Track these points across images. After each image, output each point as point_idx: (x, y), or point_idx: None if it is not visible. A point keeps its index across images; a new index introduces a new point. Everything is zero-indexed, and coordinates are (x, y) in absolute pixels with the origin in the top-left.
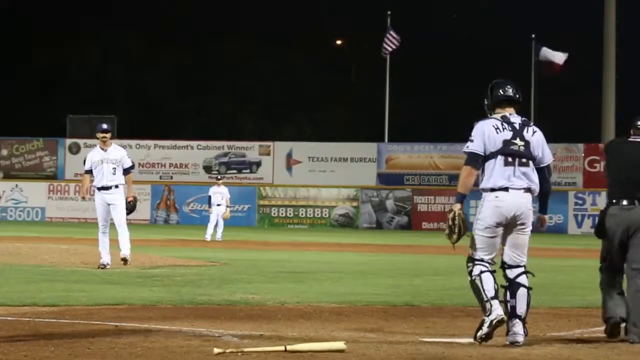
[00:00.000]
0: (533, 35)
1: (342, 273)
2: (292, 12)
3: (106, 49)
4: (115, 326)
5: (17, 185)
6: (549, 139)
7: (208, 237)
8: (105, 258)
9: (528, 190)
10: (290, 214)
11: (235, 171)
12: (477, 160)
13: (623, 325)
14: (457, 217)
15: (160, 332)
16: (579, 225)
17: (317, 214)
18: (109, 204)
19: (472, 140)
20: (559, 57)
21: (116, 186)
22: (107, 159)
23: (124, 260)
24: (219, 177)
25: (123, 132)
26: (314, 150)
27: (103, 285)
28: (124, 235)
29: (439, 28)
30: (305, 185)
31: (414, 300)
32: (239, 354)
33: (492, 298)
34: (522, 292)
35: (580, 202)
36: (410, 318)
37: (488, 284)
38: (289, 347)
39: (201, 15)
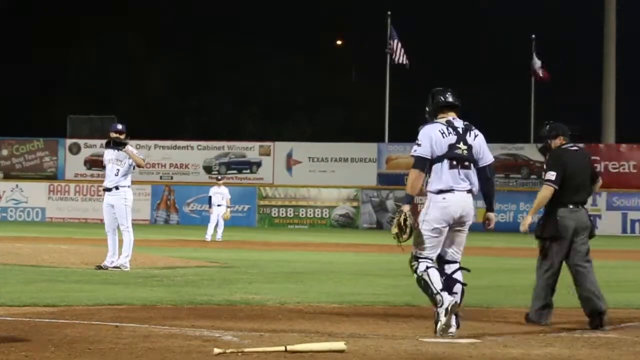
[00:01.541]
0: (533, 36)
1: (343, 273)
2: (293, 12)
3: (106, 49)
4: (115, 326)
5: (17, 186)
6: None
7: (208, 237)
8: (108, 260)
9: (470, 191)
10: (290, 214)
11: (235, 171)
12: (425, 164)
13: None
14: (408, 218)
15: (160, 332)
16: None
17: (318, 214)
18: (111, 205)
19: (419, 145)
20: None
21: (116, 187)
22: (113, 159)
23: (117, 268)
24: (219, 177)
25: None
26: (314, 151)
27: (103, 285)
28: (124, 239)
29: (439, 28)
30: (305, 185)
31: (414, 301)
32: (239, 354)
33: (442, 290)
34: (457, 288)
35: None
36: (410, 318)
37: (435, 278)
38: (289, 347)
39: (201, 15)
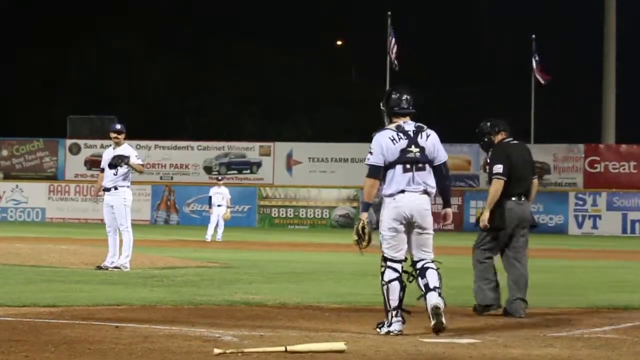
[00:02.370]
0: (533, 36)
1: (342, 273)
2: (293, 12)
3: (106, 49)
4: (115, 327)
5: (17, 186)
6: (549, 140)
7: (208, 237)
8: (108, 260)
9: (425, 192)
10: (290, 214)
11: (235, 172)
12: (379, 172)
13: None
14: (365, 226)
15: (160, 332)
16: (580, 225)
17: (318, 215)
18: (111, 205)
19: (371, 153)
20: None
21: (115, 188)
22: (113, 158)
23: (117, 268)
24: (220, 177)
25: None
26: (314, 151)
27: (103, 285)
28: (124, 239)
29: (439, 28)
30: (305, 185)
31: (414, 301)
32: (239, 354)
33: (394, 309)
34: (430, 271)
35: (580, 202)
36: (410, 318)
37: (394, 294)
38: (289, 348)
39: (201, 15)
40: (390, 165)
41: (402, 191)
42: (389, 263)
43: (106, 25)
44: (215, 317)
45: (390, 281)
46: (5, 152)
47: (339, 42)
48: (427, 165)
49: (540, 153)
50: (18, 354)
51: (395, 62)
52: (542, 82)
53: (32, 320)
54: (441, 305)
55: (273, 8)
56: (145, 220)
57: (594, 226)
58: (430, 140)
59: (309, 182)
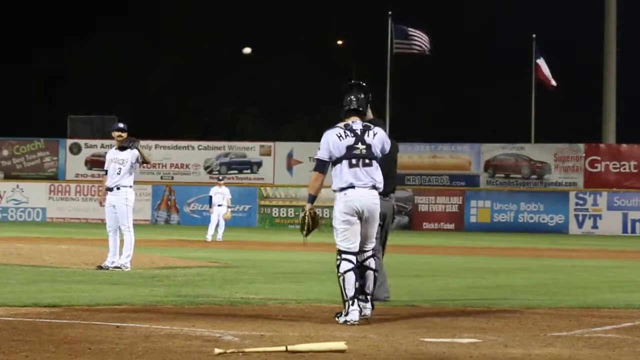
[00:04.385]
0: (534, 35)
1: None
2: (293, 12)
3: (107, 49)
4: (116, 326)
5: (17, 186)
6: (550, 140)
7: (209, 237)
8: (108, 260)
9: (373, 187)
10: (291, 214)
11: (236, 171)
12: (324, 166)
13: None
14: (307, 216)
15: (161, 332)
16: (580, 225)
17: (318, 215)
18: (113, 205)
19: (319, 149)
20: (551, 79)
21: (117, 187)
22: (115, 158)
23: (117, 268)
24: (220, 177)
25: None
26: (315, 151)
27: (104, 285)
28: (125, 239)
29: (440, 28)
30: (306, 185)
31: (415, 300)
32: (240, 354)
33: (351, 298)
34: (369, 274)
35: (581, 202)
36: (410, 318)
37: (349, 284)
38: (289, 347)
39: (201, 15)
40: (337, 161)
41: (352, 186)
42: (343, 255)
43: (107, 25)
44: (216, 316)
45: (345, 272)
46: (5, 152)
47: (339, 42)
48: (374, 162)
49: (540, 152)
50: (19, 354)
51: (426, 48)
52: (550, 86)
53: (33, 320)
54: (368, 314)
55: (273, 8)
56: (146, 220)
57: (595, 226)
58: (377, 138)
59: (309, 181)
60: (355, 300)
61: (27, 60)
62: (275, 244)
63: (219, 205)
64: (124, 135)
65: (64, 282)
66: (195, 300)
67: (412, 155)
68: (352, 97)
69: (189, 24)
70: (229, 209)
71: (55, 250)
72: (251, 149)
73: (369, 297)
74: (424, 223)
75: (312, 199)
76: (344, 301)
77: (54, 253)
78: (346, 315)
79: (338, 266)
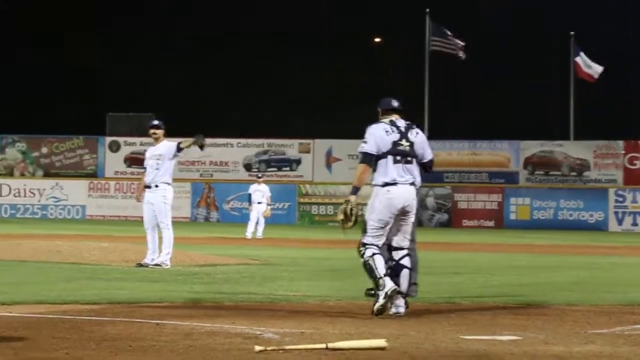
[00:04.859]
0: (572, 33)
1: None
2: (331, 10)
3: (146, 47)
4: (156, 324)
5: (57, 184)
6: (589, 137)
7: (249, 235)
8: (148, 257)
9: (412, 184)
10: (330, 211)
11: (275, 169)
12: (371, 159)
13: None
14: (353, 208)
15: (201, 330)
16: (620, 222)
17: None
18: (151, 203)
19: (366, 142)
20: (595, 69)
21: (156, 185)
22: (153, 155)
23: (157, 266)
24: (260, 175)
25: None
26: (354, 148)
27: (144, 283)
28: (164, 236)
29: (478, 25)
30: (345, 182)
31: (455, 297)
32: (280, 351)
33: (385, 275)
34: (404, 273)
35: (620, 199)
36: (450, 315)
37: (379, 264)
38: (330, 345)
39: (242, 13)
40: (382, 156)
41: (395, 183)
42: (367, 246)
43: (147, 24)
44: (256, 314)
45: (373, 255)
46: (45, 150)
47: (377, 40)
48: (414, 160)
49: (579, 149)
50: (59, 352)
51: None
52: (592, 79)
53: (74, 318)
54: (402, 312)
55: (311, 6)
56: (185, 218)
57: (634, 223)
58: (420, 138)
59: (348, 179)
60: (388, 277)
61: (66, 57)
62: (314, 242)
63: (259, 203)
64: (159, 132)
65: (104, 280)
66: (235, 297)
67: (452, 152)
68: (392, 98)
69: (230, 23)
70: (269, 207)
71: (95, 247)
72: (290, 147)
73: (402, 295)
74: (464, 220)
75: (356, 191)
76: (377, 280)
77: (93, 250)
78: (384, 288)
79: (363, 254)
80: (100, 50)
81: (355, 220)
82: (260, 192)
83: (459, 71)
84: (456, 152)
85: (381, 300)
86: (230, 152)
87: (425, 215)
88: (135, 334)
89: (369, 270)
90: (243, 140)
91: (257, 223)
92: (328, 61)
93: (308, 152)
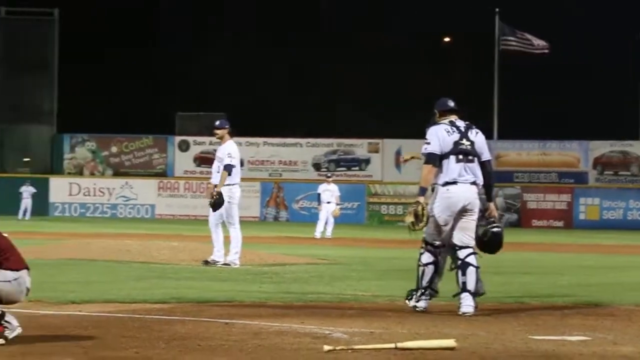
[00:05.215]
0: None
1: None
2: (401, 9)
3: (215, 47)
4: (225, 323)
5: (127, 183)
6: None
7: (318, 234)
8: (215, 255)
9: (474, 183)
10: (399, 211)
11: (344, 168)
12: (436, 159)
13: None
14: (424, 208)
15: (270, 329)
16: None
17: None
18: None
19: (429, 143)
20: None
21: (227, 184)
22: (217, 156)
23: (226, 265)
24: (329, 174)
25: (232, 130)
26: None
27: (213, 282)
28: (231, 236)
29: (547, 25)
30: (414, 182)
31: (524, 298)
32: (349, 351)
33: (424, 288)
34: (471, 270)
35: None
36: (520, 315)
37: (427, 277)
38: (399, 345)
39: (309, 13)
40: (445, 156)
41: (455, 182)
42: (428, 247)
43: (216, 25)
44: (324, 313)
45: (426, 264)
46: (114, 149)
47: (446, 39)
48: (476, 159)
49: None
50: (129, 351)
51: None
52: None
53: (143, 317)
54: (471, 311)
55: (377, 7)
56: (255, 217)
57: None
58: (479, 137)
59: (417, 178)
60: (428, 290)
61: (136, 57)
62: (383, 241)
63: (328, 203)
64: (219, 132)
65: (173, 279)
66: (304, 297)
67: (521, 152)
68: (448, 98)
69: (297, 22)
70: (338, 206)
71: (165, 247)
72: (359, 146)
73: (471, 294)
74: (533, 220)
75: (424, 191)
76: (418, 288)
77: (163, 250)
78: (417, 301)
79: (421, 254)
80: (170, 49)
81: (426, 221)
82: (330, 192)
83: (528, 71)
84: (526, 152)
85: (410, 305)
86: (299, 152)
87: (501, 223)
88: (204, 333)
89: (418, 275)
90: (312, 140)
91: (326, 223)
92: (397, 61)
93: (377, 151)
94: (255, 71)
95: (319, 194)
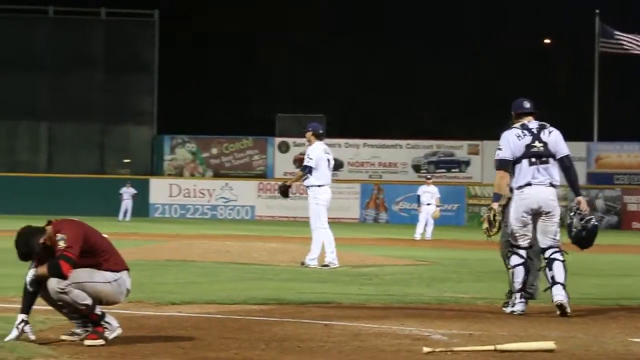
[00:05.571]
0: None
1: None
2: (503, 11)
3: (317, 48)
4: (324, 325)
5: (227, 184)
6: None
7: (417, 236)
8: (308, 256)
9: (550, 184)
10: None
11: (444, 170)
12: (508, 165)
13: None
14: (497, 215)
15: (369, 330)
16: None
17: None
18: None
19: (500, 149)
20: None
21: (308, 187)
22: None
23: (325, 266)
24: (429, 176)
25: (332, 131)
26: None
27: (312, 283)
28: (323, 237)
29: None
30: None
31: (623, 300)
32: (448, 353)
33: (519, 291)
34: (557, 264)
35: None
36: (618, 318)
37: (518, 278)
38: (498, 347)
39: (409, 14)
40: (517, 160)
41: (529, 184)
42: (515, 249)
43: (317, 25)
44: (424, 315)
45: (515, 266)
46: (214, 150)
47: (547, 41)
48: (550, 159)
49: None
50: (229, 351)
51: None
52: None
53: (243, 318)
54: (564, 301)
55: (476, 9)
56: (354, 219)
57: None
58: (553, 137)
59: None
60: (522, 293)
61: (236, 58)
62: (483, 243)
63: (428, 204)
64: (307, 135)
65: (273, 280)
66: (403, 298)
67: (622, 154)
68: (524, 100)
69: (396, 24)
70: (438, 208)
71: (265, 248)
72: (459, 148)
73: (560, 284)
74: (633, 223)
75: (498, 198)
76: (512, 292)
77: (263, 251)
78: (513, 306)
79: (509, 258)
80: (269, 51)
81: (499, 227)
82: (429, 194)
83: (628, 72)
84: (626, 154)
85: (507, 311)
86: (399, 154)
87: (595, 217)
88: (304, 335)
89: (510, 278)
90: (412, 142)
91: (425, 224)
92: (497, 62)
93: (477, 153)
94: (356, 72)
95: (418, 196)
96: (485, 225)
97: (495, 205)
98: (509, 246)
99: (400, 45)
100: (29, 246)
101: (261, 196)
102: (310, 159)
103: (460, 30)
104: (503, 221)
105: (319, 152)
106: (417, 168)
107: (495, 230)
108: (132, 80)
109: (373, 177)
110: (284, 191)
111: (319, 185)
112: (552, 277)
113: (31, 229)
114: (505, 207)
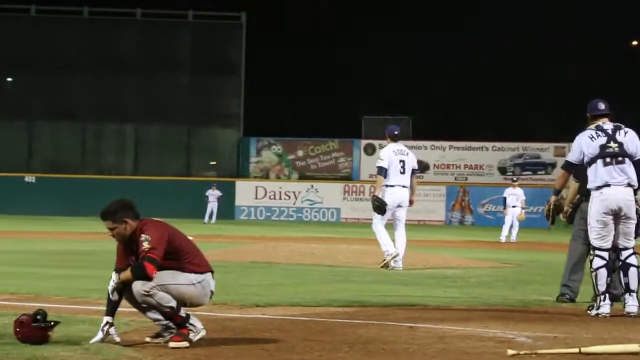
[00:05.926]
0: None
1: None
2: (589, 12)
3: (400, 50)
4: (409, 327)
5: (312, 186)
6: None
7: (503, 238)
8: (386, 255)
9: (628, 185)
10: None
11: (530, 172)
12: (570, 167)
13: None
14: (552, 207)
15: (454, 333)
16: None
17: (561, 204)
18: None
19: (571, 151)
20: None
21: (385, 185)
22: None
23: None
24: (515, 178)
25: (418, 134)
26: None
27: (396, 286)
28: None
29: None
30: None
31: None
32: (533, 355)
33: (602, 293)
34: (632, 271)
35: None
36: None
37: (601, 280)
38: (583, 349)
39: (489, 12)
40: (592, 161)
41: (607, 185)
42: (597, 252)
43: (401, 26)
44: (508, 318)
45: (598, 268)
46: (300, 153)
47: (634, 43)
48: (627, 159)
49: None
50: (312, 354)
51: None
52: None
53: (327, 320)
54: (635, 311)
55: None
56: (440, 221)
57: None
58: (629, 137)
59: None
60: (607, 295)
61: (322, 60)
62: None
63: (513, 207)
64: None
65: (357, 282)
66: (488, 301)
67: None
68: (599, 101)
69: (474, 24)
70: (523, 210)
71: (350, 250)
72: (545, 150)
73: (633, 293)
74: None
75: (556, 192)
76: (596, 295)
77: (348, 253)
78: (598, 308)
79: (591, 261)
80: (356, 53)
81: (553, 219)
82: (515, 196)
83: None
84: None
85: (592, 314)
86: (485, 156)
87: None
88: (388, 337)
89: (593, 280)
90: (498, 144)
91: (511, 226)
92: (584, 63)
93: (563, 155)
94: (441, 74)
95: (504, 198)
96: (545, 215)
97: (552, 199)
98: (591, 249)
99: (488, 44)
100: (115, 213)
101: (347, 198)
102: (381, 159)
103: (548, 31)
104: (567, 215)
105: (388, 153)
106: (502, 170)
107: (550, 219)
108: (219, 83)
109: (459, 179)
110: (379, 206)
111: (388, 186)
112: (627, 284)
113: (128, 203)
114: (575, 209)
